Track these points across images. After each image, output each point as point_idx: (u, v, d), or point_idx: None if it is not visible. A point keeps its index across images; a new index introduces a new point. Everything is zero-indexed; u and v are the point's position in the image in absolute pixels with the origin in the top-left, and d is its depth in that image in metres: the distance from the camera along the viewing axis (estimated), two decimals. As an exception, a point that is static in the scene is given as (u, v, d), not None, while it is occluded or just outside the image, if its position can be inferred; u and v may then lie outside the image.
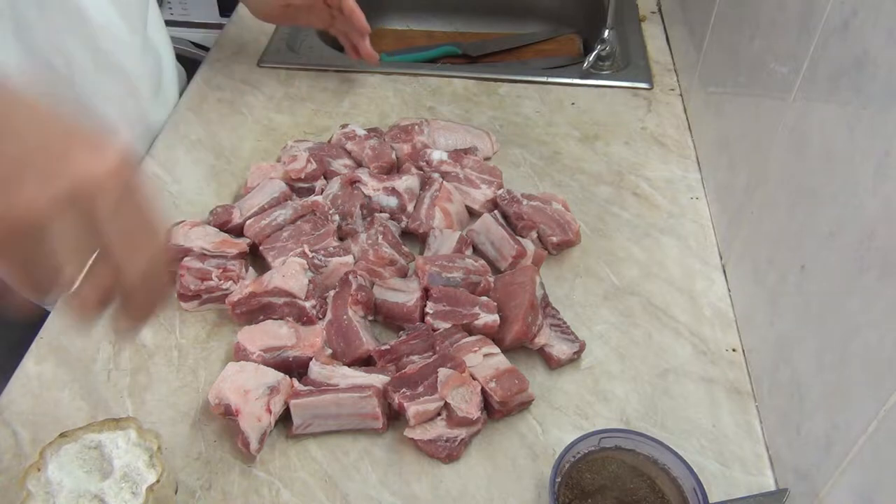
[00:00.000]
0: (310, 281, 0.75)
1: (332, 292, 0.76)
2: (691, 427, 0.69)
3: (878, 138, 0.52)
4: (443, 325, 0.73)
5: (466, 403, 0.66)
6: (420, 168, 0.92)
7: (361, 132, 0.96)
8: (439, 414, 0.67)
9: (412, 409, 0.65)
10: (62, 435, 0.60)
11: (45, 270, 0.45)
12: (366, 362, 0.72)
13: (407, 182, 0.88)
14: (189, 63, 1.19)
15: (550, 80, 1.12)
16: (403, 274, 0.81)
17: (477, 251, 0.84)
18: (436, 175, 0.90)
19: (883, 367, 0.50)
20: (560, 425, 0.69)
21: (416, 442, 0.66)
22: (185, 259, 0.78)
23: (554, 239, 0.83)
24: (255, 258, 0.82)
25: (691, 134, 1.02)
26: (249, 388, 0.66)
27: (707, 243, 0.87)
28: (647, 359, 0.75)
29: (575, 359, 0.74)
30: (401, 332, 0.74)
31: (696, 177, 0.95)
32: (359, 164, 0.93)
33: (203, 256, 0.78)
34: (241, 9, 1.27)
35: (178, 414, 0.70)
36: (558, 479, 0.59)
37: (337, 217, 0.83)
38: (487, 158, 0.98)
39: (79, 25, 0.82)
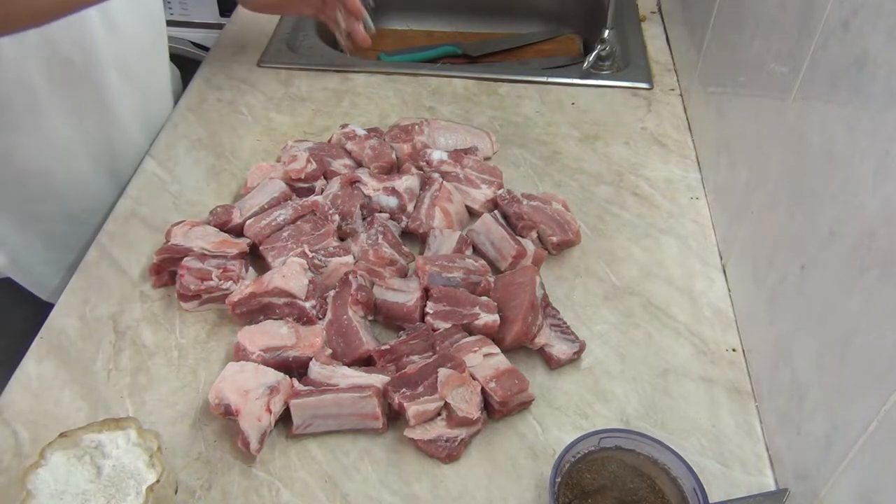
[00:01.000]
0: (310, 281, 0.75)
1: (332, 292, 0.76)
2: (691, 427, 0.69)
3: (878, 138, 0.52)
4: (443, 325, 0.73)
5: (466, 403, 0.66)
6: (420, 168, 0.92)
7: (361, 132, 0.96)
8: (439, 414, 0.67)
9: (412, 409, 0.65)
10: (62, 435, 0.60)
11: None
12: (366, 362, 0.72)
13: (407, 182, 0.88)
14: (189, 63, 1.19)
15: (550, 80, 1.12)
16: (403, 274, 0.81)
17: (477, 251, 0.84)
18: (436, 175, 0.90)
19: (883, 367, 0.50)
20: (560, 425, 0.69)
21: (416, 442, 0.66)
22: (185, 259, 0.78)
23: (554, 239, 0.83)
24: (255, 258, 0.82)
25: (691, 134, 1.02)
26: (249, 388, 0.66)
27: (707, 243, 0.87)
28: (647, 359, 0.75)
29: (575, 359, 0.74)
30: (401, 332, 0.74)
31: (696, 177, 0.95)
32: (359, 164, 0.93)
33: (203, 256, 0.78)
34: (241, 9, 1.27)
35: (178, 414, 0.70)
36: (558, 479, 0.59)
37: (337, 217, 0.83)
38: (487, 158, 0.98)
39: (99, 23, 0.83)
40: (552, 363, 0.73)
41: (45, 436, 0.65)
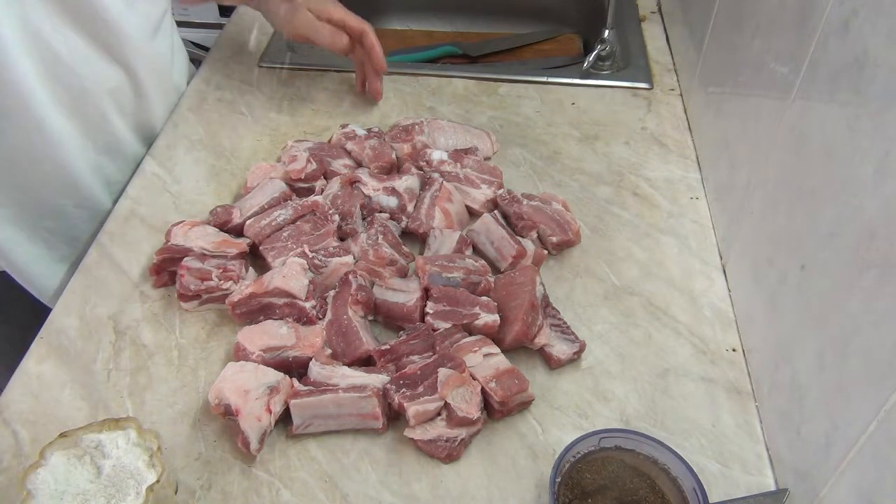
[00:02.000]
0: (310, 281, 0.75)
1: (332, 292, 0.76)
2: (691, 427, 0.69)
3: (878, 138, 0.52)
4: (443, 325, 0.73)
5: (466, 403, 0.66)
6: (420, 168, 0.92)
7: (361, 132, 0.96)
8: (439, 414, 0.67)
9: (412, 409, 0.65)
10: (62, 435, 0.60)
11: None
12: (366, 362, 0.72)
13: (407, 182, 0.88)
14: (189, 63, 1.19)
15: (550, 80, 1.12)
16: (403, 274, 0.81)
17: (477, 251, 0.84)
18: (436, 175, 0.90)
19: (883, 367, 0.50)
20: (560, 425, 0.69)
21: (416, 442, 0.66)
22: (185, 259, 0.78)
23: (554, 239, 0.83)
24: (255, 258, 0.82)
25: (691, 134, 1.02)
26: (249, 388, 0.66)
27: (707, 243, 0.87)
28: (647, 359, 0.75)
29: (575, 359, 0.74)
30: (401, 332, 0.74)
31: (696, 177, 0.95)
32: (359, 164, 0.93)
33: (203, 256, 0.78)
34: (241, 9, 1.27)
35: (178, 414, 0.70)
36: (558, 479, 0.59)
37: (337, 217, 0.83)
38: (487, 158, 0.98)
39: (82, 10, 0.82)
40: (552, 363, 0.73)
41: (45, 436, 0.65)
